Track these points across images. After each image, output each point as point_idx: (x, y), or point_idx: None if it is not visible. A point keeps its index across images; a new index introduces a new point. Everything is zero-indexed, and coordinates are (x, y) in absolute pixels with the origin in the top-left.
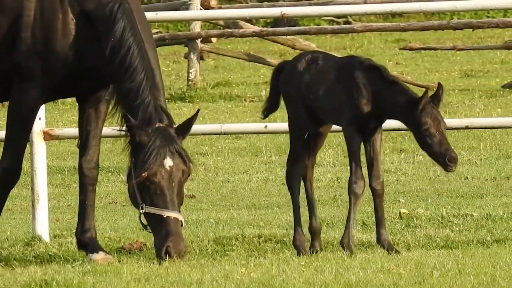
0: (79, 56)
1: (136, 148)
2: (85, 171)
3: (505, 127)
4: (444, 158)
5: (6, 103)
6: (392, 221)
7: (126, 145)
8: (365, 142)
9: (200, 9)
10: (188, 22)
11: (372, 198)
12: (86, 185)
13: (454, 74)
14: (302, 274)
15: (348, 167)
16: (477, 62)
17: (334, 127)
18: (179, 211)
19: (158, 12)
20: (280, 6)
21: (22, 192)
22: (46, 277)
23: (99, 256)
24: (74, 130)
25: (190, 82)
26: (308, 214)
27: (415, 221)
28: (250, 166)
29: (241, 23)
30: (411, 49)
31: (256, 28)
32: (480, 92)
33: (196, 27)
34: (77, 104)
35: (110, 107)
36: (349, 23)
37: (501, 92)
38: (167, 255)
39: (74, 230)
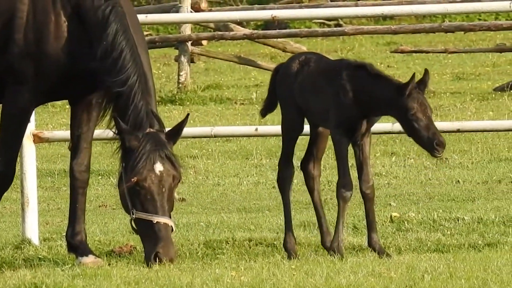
0: (72, 58)
1: (126, 153)
2: (76, 174)
3: (497, 130)
4: (431, 142)
5: None
6: (383, 224)
7: (117, 149)
8: (354, 145)
9: (191, 11)
10: (178, 24)
11: (362, 201)
12: (77, 188)
13: (446, 77)
14: (293, 278)
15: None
16: (469, 65)
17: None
18: (170, 217)
19: (148, 15)
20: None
21: (11, 195)
22: (36, 280)
23: (89, 259)
24: (64, 133)
25: (180, 85)
26: (318, 230)
27: (406, 224)
28: (241, 169)
29: (232, 25)
30: (402, 52)
31: (247, 31)
32: (472, 95)
33: (187, 30)
34: (67, 106)
35: (102, 110)
36: (340, 25)
37: (493, 95)
38: (157, 261)
39: (64, 233)
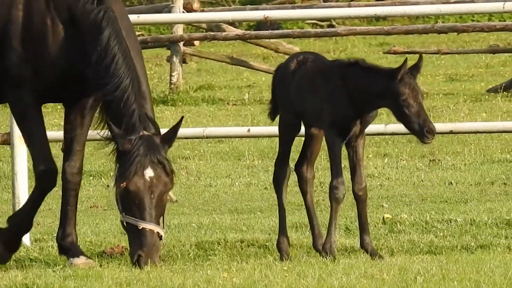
0: (69, 61)
1: (120, 156)
2: (68, 176)
3: (490, 132)
4: (422, 129)
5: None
6: (375, 226)
7: (112, 151)
8: (348, 147)
9: (183, 11)
10: (170, 25)
11: (355, 203)
12: (69, 190)
13: (439, 78)
14: (285, 279)
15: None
16: (462, 66)
17: None
18: (158, 223)
19: (140, 15)
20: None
21: (2, 195)
22: (27, 281)
23: (80, 260)
24: (56, 133)
25: (172, 86)
26: (310, 232)
27: (399, 226)
28: (233, 170)
29: (224, 26)
30: (395, 53)
31: (239, 31)
32: (465, 96)
33: (179, 30)
34: (58, 107)
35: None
36: (332, 26)
37: (486, 97)
38: (139, 265)
39: (55, 235)
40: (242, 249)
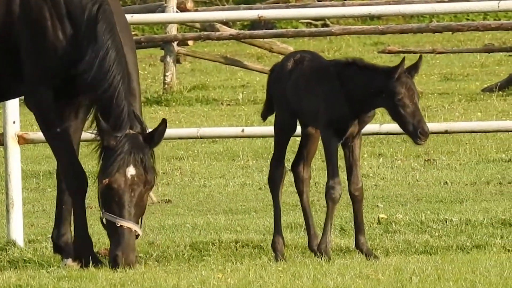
0: (69, 56)
1: (104, 152)
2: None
3: (485, 131)
4: (416, 130)
5: None
6: (370, 226)
7: (96, 147)
8: (344, 147)
9: (177, 11)
10: (164, 24)
11: (350, 203)
12: (64, 190)
13: (434, 78)
14: (280, 280)
15: (326, 172)
16: (457, 66)
17: None
18: (136, 222)
19: (134, 15)
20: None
21: None
22: (21, 282)
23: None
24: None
25: (166, 86)
26: (306, 232)
27: (394, 226)
28: (227, 170)
29: (218, 25)
30: (389, 52)
31: (233, 31)
32: (460, 96)
33: (173, 30)
34: None
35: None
36: (327, 25)
37: (481, 96)
38: (115, 264)
39: (49, 235)
40: (236, 249)
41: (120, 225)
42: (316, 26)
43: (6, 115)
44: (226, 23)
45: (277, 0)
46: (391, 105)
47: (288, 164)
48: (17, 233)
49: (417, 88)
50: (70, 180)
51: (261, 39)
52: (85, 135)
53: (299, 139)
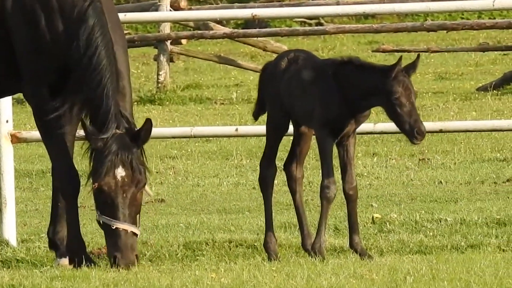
0: (62, 52)
1: (93, 154)
2: None
3: (480, 131)
4: (412, 129)
5: None
6: (364, 226)
7: (86, 150)
8: (339, 146)
9: (170, 10)
10: (157, 23)
11: (344, 202)
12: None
13: (428, 77)
14: (274, 280)
15: (320, 171)
16: (451, 65)
17: None
18: (132, 222)
19: (127, 13)
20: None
21: None
22: (14, 282)
23: (67, 261)
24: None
25: (159, 85)
26: (299, 232)
27: (388, 226)
28: (221, 170)
29: (212, 24)
30: (384, 51)
31: (227, 30)
32: (455, 95)
33: (166, 29)
34: None
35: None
36: (321, 24)
37: (476, 95)
38: (115, 265)
39: (42, 235)
40: (230, 249)
41: (116, 227)
42: (310, 25)
43: None
44: (219, 22)
45: None
46: (387, 104)
47: (280, 164)
48: (10, 232)
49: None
50: (63, 181)
51: (255, 38)
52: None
53: (290, 138)
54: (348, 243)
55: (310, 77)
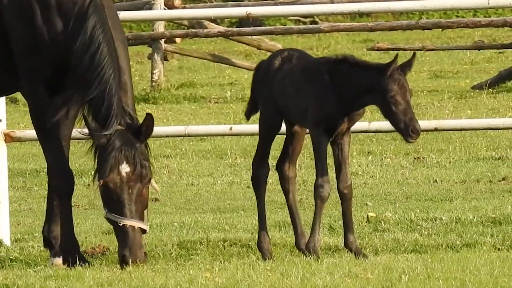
0: (60, 50)
1: (97, 151)
2: None
3: (475, 129)
4: (407, 128)
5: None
6: (359, 224)
7: (90, 147)
8: (333, 145)
9: (164, 8)
10: (151, 22)
11: (339, 201)
12: None
13: (423, 75)
14: (268, 279)
15: (314, 170)
16: (447, 63)
17: None
18: (139, 218)
19: (121, 12)
20: (245, 6)
21: None
22: (8, 281)
23: (61, 260)
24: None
25: (153, 83)
26: (293, 232)
27: (383, 224)
28: (215, 168)
29: (206, 23)
30: (379, 49)
31: (221, 28)
32: (450, 93)
33: (160, 27)
34: None
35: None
36: (315, 23)
37: (471, 93)
38: (124, 263)
39: (36, 234)
40: (224, 248)
41: (123, 224)
42: (304, 23)
43: None
44: (214, 20)
45: None
46: (382, 103)
47: (272, 162)
48: (4, 232)
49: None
50: (57, 180)
51: (249, 37)
52: (73, 133)
53: (282, 137)
54: (343, 242)
55: (304, 76)
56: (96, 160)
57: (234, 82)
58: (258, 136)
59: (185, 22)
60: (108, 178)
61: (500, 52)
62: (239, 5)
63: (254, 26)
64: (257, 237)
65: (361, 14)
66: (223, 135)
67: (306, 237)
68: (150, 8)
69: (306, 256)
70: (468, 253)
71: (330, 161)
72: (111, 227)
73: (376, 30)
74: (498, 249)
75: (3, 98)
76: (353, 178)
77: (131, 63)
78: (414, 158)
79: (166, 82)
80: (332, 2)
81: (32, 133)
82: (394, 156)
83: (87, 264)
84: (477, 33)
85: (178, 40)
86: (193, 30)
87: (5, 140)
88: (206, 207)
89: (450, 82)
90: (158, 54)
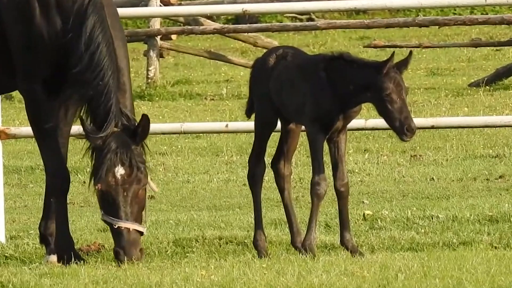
0: (60, 50)
1: (93, 153)
2: None
3: (472, 127)
4: (402, 126)
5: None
6: (356, 222)
7: (87, 149)
8: (330, 142)
9: (160, 5)
10: (147, 18)
11: (335, 199)
12: None
13: (420, 73)
14: (264, 277)
15: (311, 168)
16: (443, 60)
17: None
18: (135, 220)
19: (117, 8)
20: (241, 3)
21: None
22: (2, 279)
23: (56, 258)
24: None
25: (149, 80)
26: (289, 229)
27: (380, 222)
28: (211, 166)
29: (202, 20)
30: (375, 46)
31: (217, 25)
32: (447, 91)
33: (156, 24)
34: None
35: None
36: (312, 20)
37: (468, 91)
38: (118, 261)
39: (31, 231)
40: (220, 246)
41: (118, 226)
42: (301, 20)
43: None
44: (210, 17)
45: None
46: (378, 100)
47: (268, 159)
48: None
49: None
50: (53, 178)
51: (246, 34)
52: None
53: (278, 134)
54: (339, 240)
55: (300, 73)
56: (93, 162)
57: (230, 79)
58: (254, 134)
59: (181, 19)
60: (103, 181)
61: (497, 50)
62: (235, 2)
63: (250, 23)
64: (253, 235)
65: (357, 11)
66: (219, 132)
67: (302, 235)
68: (146, 5)
69: (302, 254)
70: (465, 251)
71: (327, 158)
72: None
73: (373, 27)
74: (495, 247)
75: None
76: (350, 176)
77: None
78: (411, 156)
79: (161, 79)
80: None
81: (27, 130)
82: (391, 154)
83: (82, 261)
84: (474, 31)
85: (174, 37)
86: (189, 27)
87: (0, 137)
88: (201, 205)
89: (447, 80)
90: (153, 51)
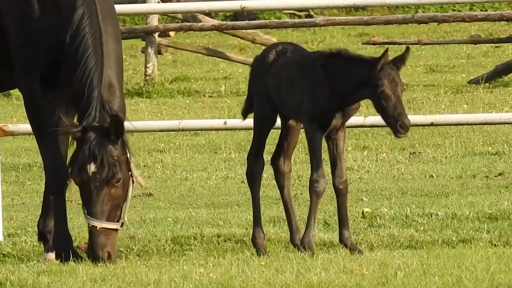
0: (56, 44)
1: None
2: None
3: (471, 124)
4: (396, 122)
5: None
6: (355, 220)
7: (71, 142)
8: (328, 140)
9: (158, 2)
10: (145, 15)
11: (334, 196)
12: None
13: (419, 69)
14: (263, 275)
15: (310, 165)
16: (443, 57)
17: None
18: (107, 218)
19: (115, 5)
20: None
21: None
22: (0, 277)
23: (54, 255)
24: (29, 126)
25: (147, 77)
26: (287, 227)
27: (379, 220)
28: (209, 163)
29: (200, 16)
30: (374, 43)
31: (215, 22)
32: (446, 88)
33: (154, 21)
34: None
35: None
36: (311, 16)
37: (467, 88)
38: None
39: (29, 229)
40: (218, 244)
41: (87, 223)
42: (299, 17)
43: None
44: (208, 14)
45: None
46: (374, 97)
47: (267, 157)
48: None
49: (403, 80)
50: (52, 175)
51: (244, 30)
52: None
53: (277, 131)
54: (338, 238)
55: (298, 70)
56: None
57: (228, 76)
58: (253, 131)
59: (179, 16)
60: (75, 177)
61: (496, 46)
62: None
63: (248, 20)
64: (251, 232)
65: (356, 8)
66: (217, 129)
67: (301, 233)
68: (144, 1)
69: (301, 252)
70: (464, 249)
71: (326, 156)
72: None
73: (372, 24)
74: (495, 245)
75: None
76: (349, 173)
77: (124, 56)
78: (410, 153)
79: (160, 76)
80: None
81: (25, 127)
82: (390, 151)
83: (80, 259)
84: (474, 27)
85: (172, 33)
86: (187, 24)
87: None
88: (200, 202)
89: (446, 77)
90: (152, 48)
